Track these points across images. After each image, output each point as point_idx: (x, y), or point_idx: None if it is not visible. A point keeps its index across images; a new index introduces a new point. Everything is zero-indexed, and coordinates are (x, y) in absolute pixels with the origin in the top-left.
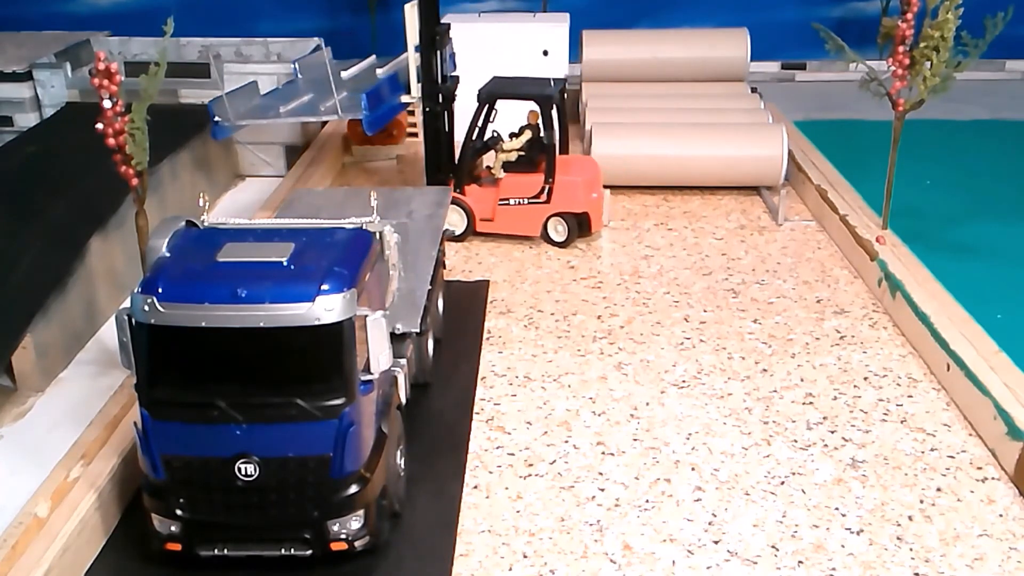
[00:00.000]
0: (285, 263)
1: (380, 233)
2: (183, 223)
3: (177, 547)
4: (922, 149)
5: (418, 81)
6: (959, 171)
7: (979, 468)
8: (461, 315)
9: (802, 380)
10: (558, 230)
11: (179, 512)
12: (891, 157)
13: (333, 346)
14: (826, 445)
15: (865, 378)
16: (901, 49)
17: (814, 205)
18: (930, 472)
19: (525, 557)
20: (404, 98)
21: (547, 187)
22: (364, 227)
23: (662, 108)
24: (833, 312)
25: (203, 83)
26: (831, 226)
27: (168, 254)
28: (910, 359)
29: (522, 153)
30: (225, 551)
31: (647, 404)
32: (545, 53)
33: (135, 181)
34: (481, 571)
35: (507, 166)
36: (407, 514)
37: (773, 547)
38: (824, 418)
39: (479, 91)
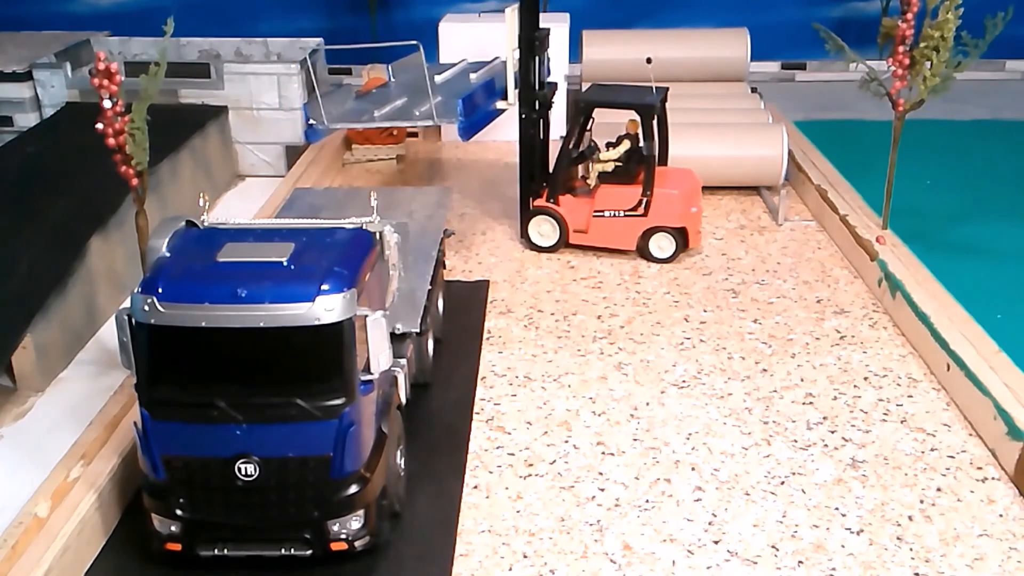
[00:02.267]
0: (285, 263)
1: (380, 233)
2: (183, 223)
3: (177, 547)
4: (922, 149)
5: (515, 87)
6: (959, 171)
7: (979, 468)
8: (461, 315)
9: (802, 380)
10: (661, 246)
11: (179, 512)
12: (891, 157)
13: (333, 346)
14: (826, 445)
15: (865, 378)
16: (901, 49)
17: (814, 205)
18: (930, 472)
19: (525, 557)
20: (500, 104)
21: (645, 200)
22: (364, 227)
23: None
24: (833, 312)
25: (203, 83)
26: (831, 226)
27: (168, 254)
28: (910, 359)
29: (619, 164)
30: (225, 551)
31: (647, 404)
32: (648, 60)
33: (135, 181)
34: (481, 571)
35: (603, 176)
36: (407, 514)
37: (773, 547)
38: (824, 418)
39: (577, 99)
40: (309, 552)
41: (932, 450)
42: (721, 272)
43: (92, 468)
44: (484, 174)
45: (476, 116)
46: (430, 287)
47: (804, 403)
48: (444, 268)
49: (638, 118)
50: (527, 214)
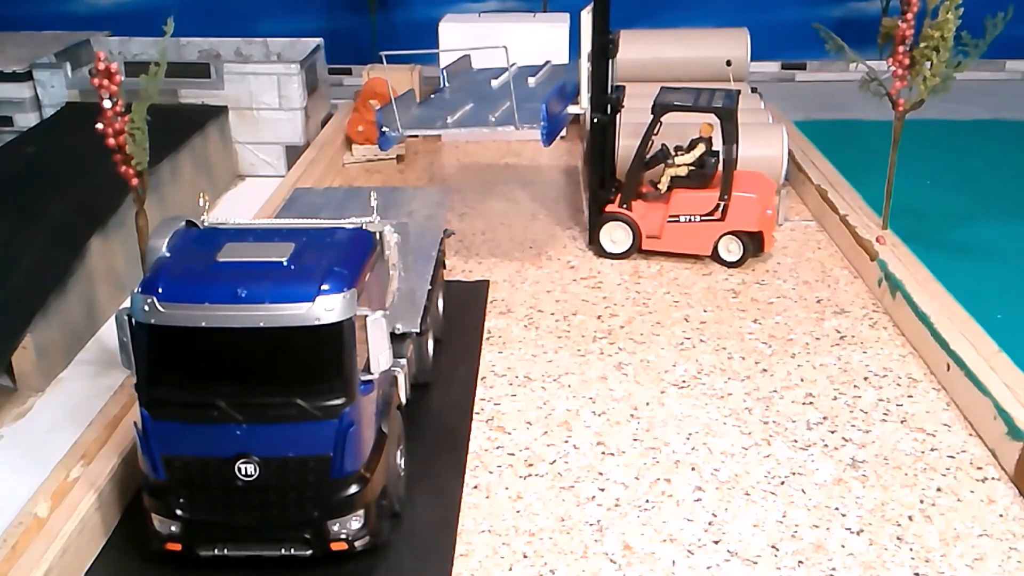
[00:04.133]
0: (285, 263)
1: (380, 233)
2: (183, 223)
3: (177, 547)
4: (922, 149)
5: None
6: (959, 171)
7: (979, 468)
8: (461, 315)
9: (802, 380)
10: (731, 249)
11: (179, 512)
12: (891, 157)
13: (333, 346)
14: (826, 445)
15: (865, 378)
16: (901, 49)
17: (814, 205)
18: (930, 472)
19: (525, 557)
20: (571, 108)
21: (722, 204)
22: (364, 227)
23: None
24: (833, 312)
25: (203, 83)
26: (831, 226)
27: (168, 254)
28: (910, 359)
29: (693, 168)
30: (225, 551)
31: (647, 404)
32: (728, 63)
33: (135, 181)
34: (481, 571)
35: (675, 181)
36: (407, 514)
37: (773, 547)
38: (824, 418)
39: (653, 103)
40: (309, 552)
41: (932, 450)
42: (721, 272)
43: (92, 468)
44: (484, 174)
45: (555, 121)
46: (430, 287)
47: (804, 403)
48: (444, 268)
49: (715, 121)
50: (598, 220)
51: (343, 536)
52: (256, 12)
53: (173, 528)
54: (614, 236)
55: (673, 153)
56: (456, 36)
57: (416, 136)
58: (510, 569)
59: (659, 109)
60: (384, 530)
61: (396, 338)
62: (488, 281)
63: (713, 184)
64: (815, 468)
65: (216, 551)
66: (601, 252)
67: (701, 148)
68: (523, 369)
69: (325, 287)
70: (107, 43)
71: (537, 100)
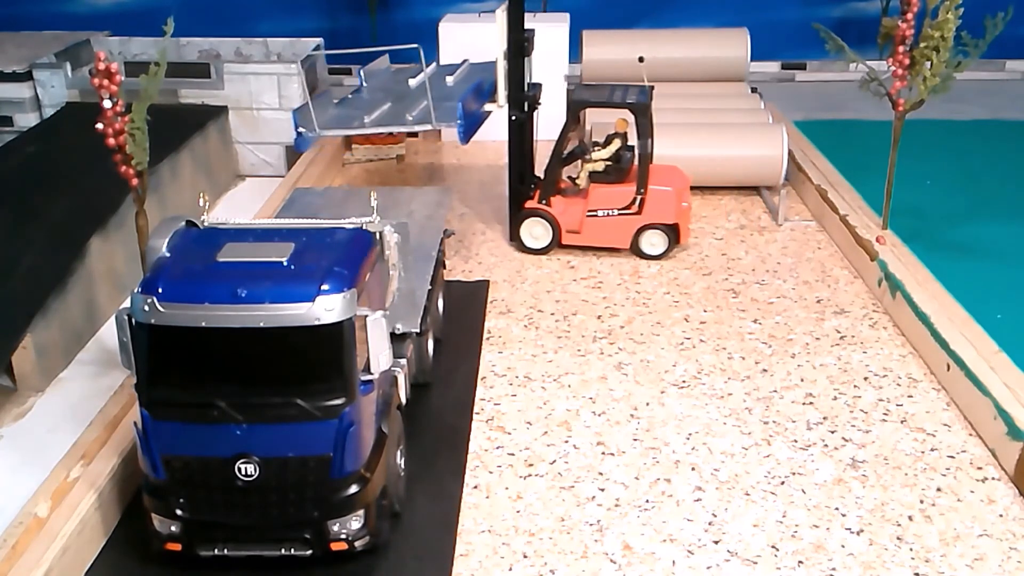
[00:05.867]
0: (285, 263)
1: (380, 233)
2: (183, 223)
3: (177, 547)
4: (922, 149)
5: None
6: (959, 171)
7: (979, 468)
8: (461, 315)
9: (802, 380)
10: (654, 243)
11: (179, 512)
12: (891, 157)
13: (333, 346)
14: (826, 445)
15: (865, 378)
16: (901, 49)
17: (814, 205)
18: (930, 472)
19: (525, 557)
20: (489, 106)
21: (639, 198)
22: (364, 227)
23: (662, 108)
24: (833, 312)
25: (203, 83)
26: (831, 226)
27: (168, 254)
28: (910, 359)
29: (610, 163)
30: (225, 551)
31: (647, 404)
32: (641, 59)
33: (135, 181)
34: (481, 571)
35: (593, 176)
36: (407, 514)
37: (773, 547)
38: (824, 418)
39: (568, 99)
40: (309, 552)
41: (932, 450)
42: (721, 272)
43: (92, 468)
44: (483, 174)
45: (472, 119)
46: (430, 287)
47: (804, 403)
48: (444, 268)
49: (629, 117)
50: (518, 217)
51: (343, 536)
52: (256, 12)
53: (173, 528)
54: (534, 232)
55: (590, 149)
56: (456, 36)
57: (332, 136)
58: (510, 569)
59: (575, 106)
60: (384, 530)
61: (396, 338)
62: (488, 281)
63: (629, 178)
64: (815, 468)
65: (216, 551)
66: (522, 248)
67: (617, 143)
68: (523, 369)
69: (325, 287)
70: (107, 43)
71: (454, 99)
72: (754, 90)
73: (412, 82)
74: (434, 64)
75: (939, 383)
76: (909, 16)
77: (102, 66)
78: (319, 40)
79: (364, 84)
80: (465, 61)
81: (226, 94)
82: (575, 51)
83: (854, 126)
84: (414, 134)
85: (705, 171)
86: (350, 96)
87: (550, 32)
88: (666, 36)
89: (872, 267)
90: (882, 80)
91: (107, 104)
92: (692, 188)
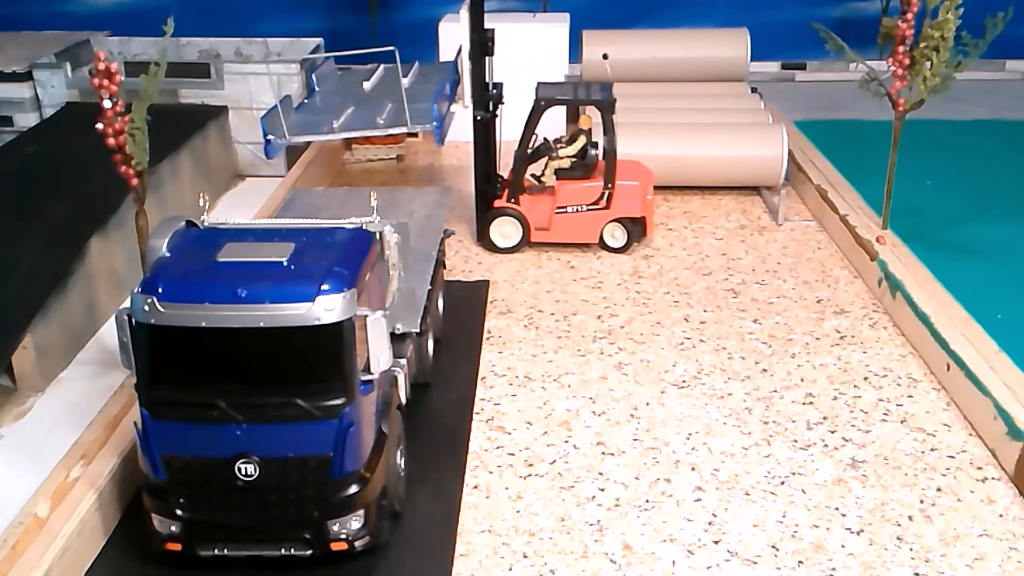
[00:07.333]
0: (285, 263)
1: (380, 233)
2: (183, 223)
3: (177, 547)
4: (922, 149)
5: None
6: (959, 171)
7: (979, 468)
8: (461, 315)
9: (802, 380)
10: (615, 236)
11: (179, 512)
12: (891, 157)
13: (333, 346)
14: (826, 445)
15: (865, 378)
16: (901, 49)
17: (814, 205)
18: (930, 472)
19: (525, 557)
20: (454, 107)
21: (607, 193)
22: (364, 227)
23: (662, 108)
24: (833, 312)
25: (203, 83)
26: (831, 226)
27: (168, 254)
28: (910, 359)
29: (575, 159)
30: (225, 551)
31: (647, 404)
32: (605, 56)
33: (135, 181)
34: (481, 571)
35: (560, 173)
36: (407, 514)
37: (773, 547)
38: (824, 418)
39: (535, 98)
40: (309, 552)
41: (932, 450)
42: (721, 272)
43: (92, 468)
44: None
45: (445, 120)
46: (430, 287)
47: (804, 403)
48: (444, 268)
49: (593, 113)
50: (487, 217)
51: (343, 536)
52: (256, 12)
53: (173, 528)
54: (503, 231)
55: (555, 146)
56: (456, 36)
57: (301, 143)
58: (510, 569)
59: (541, 103)
60: (384, 530)
61: (396, 338)
62: (488, 281)
63: (595, 175)
64: (815, 468)
65: (216, 551)
66: (491, 247)
67: (582, 140)
68: (523, 369)
69: (325, 287)
70: (107, 43)
71: (420, 101)
72: (754, 90)
73: (367, 85)
74: (381, 66)
75: (939, 383)
76: (909, 16)
77: (102, 66)
78: (319, 40)
79: (316, 89)
80: (415, 63)
81: (226, 94)
82: (575, 51)
83: (854, 126)
84: (414, 134)
85: (705, 171)
86: (306, 101)
87: (550, 32)
88: (666, 36)
89: (872, 267)
90: (882, 80)
91: (107, 104)
92: (692, 188)
